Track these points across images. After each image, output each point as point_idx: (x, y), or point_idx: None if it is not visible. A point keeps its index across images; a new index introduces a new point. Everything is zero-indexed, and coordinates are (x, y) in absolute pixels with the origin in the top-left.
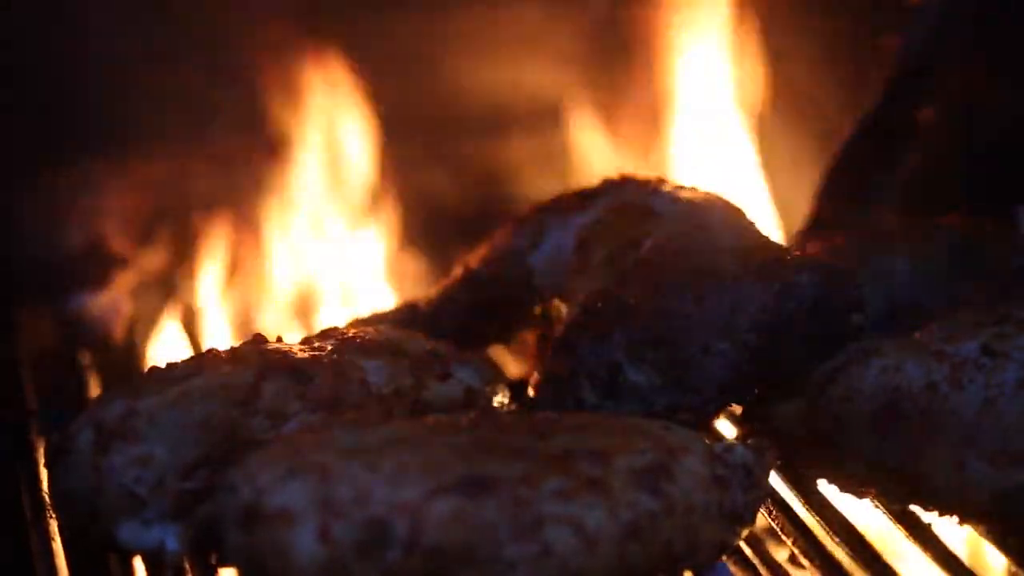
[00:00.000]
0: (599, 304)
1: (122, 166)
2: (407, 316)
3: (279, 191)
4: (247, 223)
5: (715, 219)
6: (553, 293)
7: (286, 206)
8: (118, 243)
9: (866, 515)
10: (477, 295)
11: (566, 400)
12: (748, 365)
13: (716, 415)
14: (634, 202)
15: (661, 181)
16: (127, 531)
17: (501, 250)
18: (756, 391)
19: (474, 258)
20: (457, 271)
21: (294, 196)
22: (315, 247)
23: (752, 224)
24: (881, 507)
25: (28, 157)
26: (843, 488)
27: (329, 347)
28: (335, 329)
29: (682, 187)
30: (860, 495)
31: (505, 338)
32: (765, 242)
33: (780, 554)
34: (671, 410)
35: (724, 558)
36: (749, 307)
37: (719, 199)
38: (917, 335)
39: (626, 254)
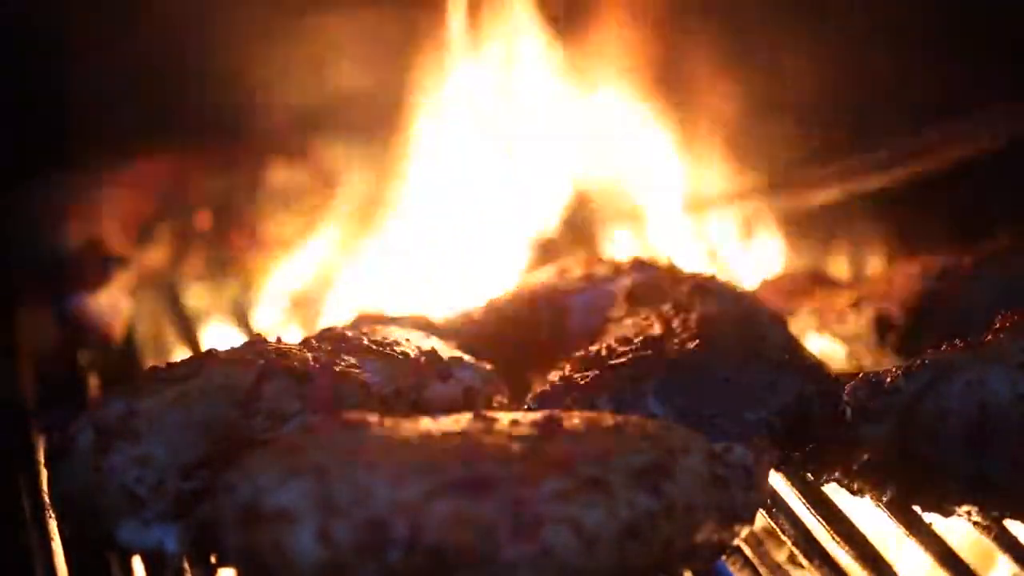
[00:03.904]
0: (642, 340)
1: (122, 167)
2: (419, 327)
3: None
4: (247, 223)
5: (765, 315)
6: (583, 338)
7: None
8: (118, 243)
9: (867, 515)
10: (503, 325)
11: (578, 405)
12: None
13: None
14: (692, 278)
15: (714, 276)
16: (127, 531)
17: (538, 289)
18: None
19: (506, 294)
20: (483, 302)
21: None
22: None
23: (794, 336)
24: (882, 507)
25: (28, 158)
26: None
27: (329, 347)
28: (335, 329)
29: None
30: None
31: (514, 377)
32: (812, 354)
33: (780, 554)
34: None
35: (723, 558)
36: (785, 393)
37: (769, 305)
38: (989, 339)
39: (676, 314)
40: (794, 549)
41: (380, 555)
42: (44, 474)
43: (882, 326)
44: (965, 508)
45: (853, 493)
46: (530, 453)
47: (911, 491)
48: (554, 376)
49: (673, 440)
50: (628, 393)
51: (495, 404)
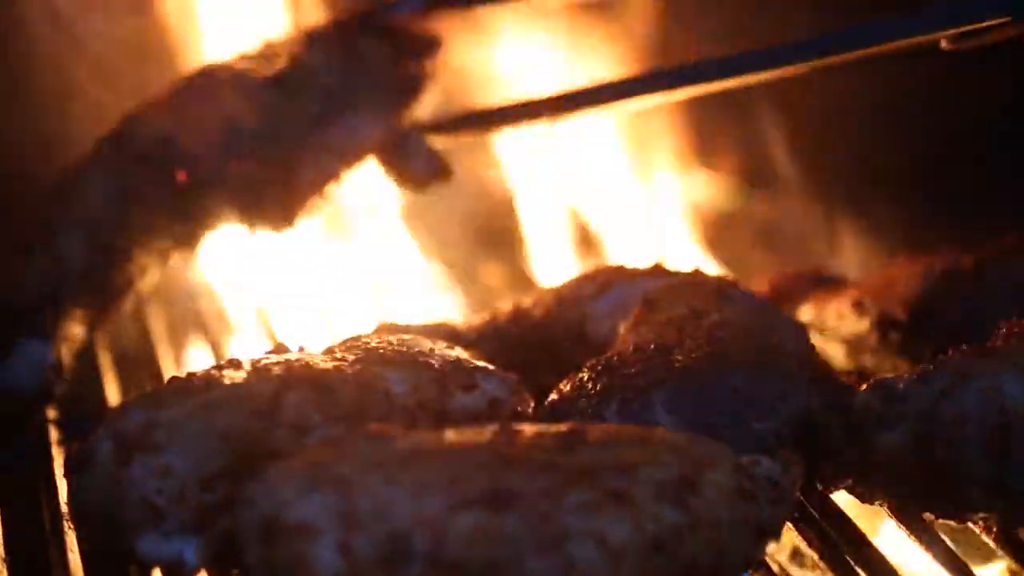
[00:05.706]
0: (653, 347)
1: None
2: (443, 334)
3: None
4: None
5: (784, 323)
6: (602, 346)
7: None
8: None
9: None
10: (525, 331)
11: (588, 412)
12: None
13: None
14: (709, 283)
15: (735, 282)
16: (147, 543)
17: (561, 294)
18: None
19: (529, 298)
20: (508, 306)
21: None
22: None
23: (814, 346)
24: (885, 509)
25: None
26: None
27: (352, 358)
28: (359, 339)
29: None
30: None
31: (536, 384)
32: (825, 362)
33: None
34: None
35: (749, 572)
36: (796, 403)
37: (789, 313)
38: (998, 343)
39: (691, 321)
40: (820, 562)
41: (401, 569)
42: (64, 485)
43: (884, 326)
44: (981, 515)
45: (864, 500)
46: (554, 466)
47: (926, 498)
48: (565, 384)
49: (700, 453)
50: (636, 402)
51: (520, 415)
